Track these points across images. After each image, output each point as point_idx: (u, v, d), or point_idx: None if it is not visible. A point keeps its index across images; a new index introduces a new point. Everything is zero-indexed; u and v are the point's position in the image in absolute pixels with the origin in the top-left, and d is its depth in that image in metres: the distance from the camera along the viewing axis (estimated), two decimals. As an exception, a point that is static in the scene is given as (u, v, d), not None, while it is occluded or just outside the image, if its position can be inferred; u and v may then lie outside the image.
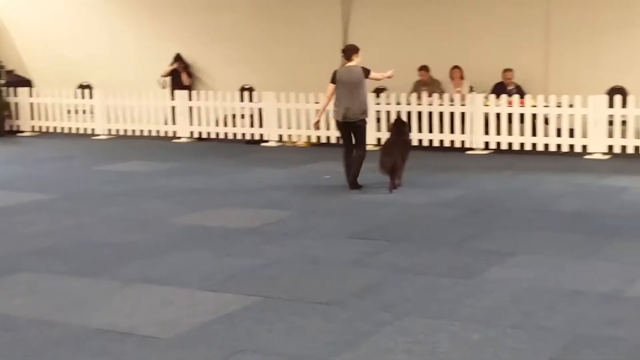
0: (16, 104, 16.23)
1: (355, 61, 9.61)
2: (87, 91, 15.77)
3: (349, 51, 9.70)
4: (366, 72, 9.61)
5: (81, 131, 15.78)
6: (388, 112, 13.35)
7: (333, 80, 9.66)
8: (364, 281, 5.94)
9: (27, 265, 6.55)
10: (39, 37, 16.96)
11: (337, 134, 13.62)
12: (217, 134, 14.69)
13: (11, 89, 16.22)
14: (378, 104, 13.41)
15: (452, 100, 12.95)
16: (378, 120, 13.43)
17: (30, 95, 16.16)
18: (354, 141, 9.72)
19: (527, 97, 12.56)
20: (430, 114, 13.06)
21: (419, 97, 13.19)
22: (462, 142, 12.88)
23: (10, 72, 16.99)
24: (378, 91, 13.92)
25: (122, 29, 16.43)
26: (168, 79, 15.60)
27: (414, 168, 11.26)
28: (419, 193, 9.42)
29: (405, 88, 13.60)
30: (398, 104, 13.27)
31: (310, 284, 5.92)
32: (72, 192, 9.87)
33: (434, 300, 5.50)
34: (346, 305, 5.42)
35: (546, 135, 12.40)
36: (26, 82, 16.83)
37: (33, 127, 16.19)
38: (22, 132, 16.18)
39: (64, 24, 16.83)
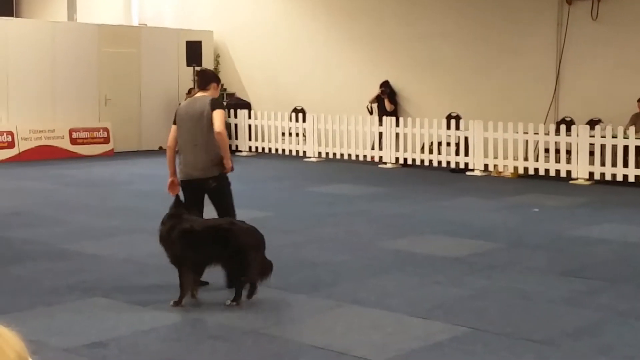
0: (235, 125, 17.25)
1: (210, 93, 6.62)
2: (300, 115, 16.44)
3: (207, 78, 6.69)
4: (213, 106, 6.41)
5: (293, 153, 16.46)
6: (602, 146, 12.82)
7: (174, 120, 6.64)
8: (579, 322, 5.73)
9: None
10: (258, 64, 17.94)
11: (547, 165, 13.41)
12: (422, 161, 14.77)
13: (232, 111, 17.27)
14: (592, 136, 12.91)
15: (674, 135, 12.21)
16: (591, 153, 12.93)
17: (249, 117, 17.13)
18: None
19: None
20: (650, 149, 12.39)
21: (638, 131, 12.54)
22: (687, 180, 12.09)
23: (231, 95, 18.13)
24: (592, 123, 13.43)
25: (334, 55, 16.98)
26: (375, 105, 15.94)
27: (633, 205, 10.78)
28: (636, 232, 8.93)
29: (622, 120, 13.00)
30: (614, 137, 12.70)
31: (521, 320, 5.79)
32: (286, 211, 10.29)
33: (657, 348, 5.21)
34: (559, 345, 5.25)
35: None
36: (246, 105, 17.88)
37: (250, 147, 17.14)
38: (240, 151, 17.13)
39: (280, 52, 17.67)
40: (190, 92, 17.73)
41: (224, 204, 6.61)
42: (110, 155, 16.70)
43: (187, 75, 17.38)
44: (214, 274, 6.33)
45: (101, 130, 16.85)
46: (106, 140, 16.90)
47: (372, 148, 15.46)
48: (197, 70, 6.63)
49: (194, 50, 16.99)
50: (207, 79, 6.67)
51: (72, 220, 9.55)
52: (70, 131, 16.40)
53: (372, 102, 15.90)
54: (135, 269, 7.25)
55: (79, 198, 11.30)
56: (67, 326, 5.62)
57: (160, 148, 17.83)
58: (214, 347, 5.26)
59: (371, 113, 15.82)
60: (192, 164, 6.48)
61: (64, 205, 10.65)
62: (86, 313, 5.92)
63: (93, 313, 5.93)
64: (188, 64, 17.02)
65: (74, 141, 16.43)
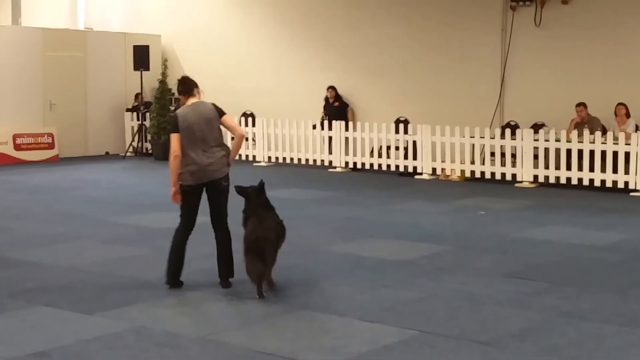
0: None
1: (198, 98, 6.93)
2: (249, 119, 16.35)
3: (190, 84, 6.92)
4: (220, 112, 6.81)
5: (243, 158, 16.34)
6: (546, 150, 13.05)
7: (176, 128, 6.64)
8: (524, 323, 5.81)
9: (192, 285, 6.82)
10: (206, 68, 17.67)
11: (493, 168, 13.58)
12: (371, 165, 14.84)
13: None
14: (536, 140, 13.14)
15: (615, 138, 12.47)
16: (536, 157, 13.15)
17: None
18: (206, 215, 6.82)
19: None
20: (591, 152, 12.62)
21: (580, 135, 12.79)
22: (626, 183, 12.35)
23: (179, 100, 17.85)
24: (536, 127, 13.66)
25: (283, 61, 16.96)
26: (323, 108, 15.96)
27: (575, 207, 11.00)
28: (579, 234, 9.11)
29: (565, 124, 13.26)
30: (557, 140, 12.93)
31: (468, 322, 5.85)
32: (236, 216, 10.08)
33: (600, 348, 5.30)
34: (506, 346, 5.32)
35: None
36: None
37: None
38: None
39: (229, 57, 17.56)
40: (137, 97, 17.56)
41: (225, 203, 6.86)
42: (56, 161, 16.41)
43: (134, 79, 17.19)
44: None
45: (46, 136, 16.55)
46: (51, 146, 16.60)
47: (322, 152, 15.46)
48: (178, 80, 7.10)
49: (141, 55, 16.83)
50: (190, 85, 6.92)
51: (15, 228, 9.36)
52: (14, 137, 16.07)
53: (323, 112, 15.89)
54: (80, 276, 7.13)
55: (23, 205, 11.08)
56: (9, 336, 5.50)
57: (107, 153, 17.62)
58: (160, 354, 5.20)
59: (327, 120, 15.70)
60: (207, 167, 6.66)
61: (7, 212, 10.43)
62: (29, 322, 5.80)
63: (36, 322, 5.81)
64: (135, 69, 16.85)
65: (17, 147, 16.11)
